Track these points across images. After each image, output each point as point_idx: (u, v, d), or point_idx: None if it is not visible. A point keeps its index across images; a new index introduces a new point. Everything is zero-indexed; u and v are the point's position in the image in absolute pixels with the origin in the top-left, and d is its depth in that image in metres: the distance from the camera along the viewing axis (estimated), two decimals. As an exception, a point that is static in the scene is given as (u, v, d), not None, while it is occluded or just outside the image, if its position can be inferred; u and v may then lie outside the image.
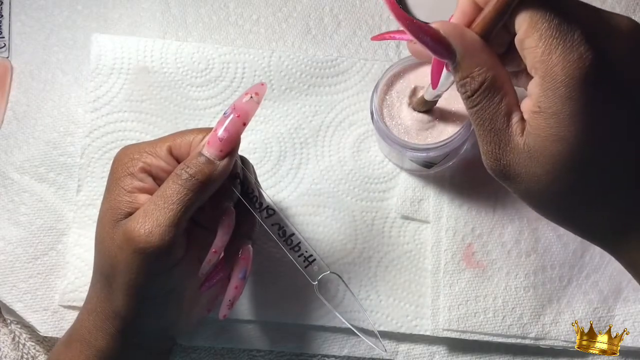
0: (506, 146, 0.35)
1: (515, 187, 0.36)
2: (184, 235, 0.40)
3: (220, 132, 0.39)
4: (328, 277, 0.43)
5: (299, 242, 0.43)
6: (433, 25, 0.35)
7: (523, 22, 0.33)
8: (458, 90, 0.36)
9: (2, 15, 0.57)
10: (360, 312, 0.50)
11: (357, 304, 0.50)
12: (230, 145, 0.40)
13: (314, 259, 0.43)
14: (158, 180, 0.42)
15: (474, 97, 0.35)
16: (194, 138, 0.41)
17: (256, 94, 0.40)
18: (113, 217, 0.40)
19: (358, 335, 0.44)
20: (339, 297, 0.51)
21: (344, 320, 0.44)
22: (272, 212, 0.43)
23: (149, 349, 0.46)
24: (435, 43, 0.35)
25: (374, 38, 0.45)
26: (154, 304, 0.42)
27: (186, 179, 0.39)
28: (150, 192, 0.41)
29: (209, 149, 0.40)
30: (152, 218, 0.38)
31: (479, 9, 0.35)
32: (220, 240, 0.42)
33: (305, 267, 0.43)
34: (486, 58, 0.35)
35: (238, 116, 0.39)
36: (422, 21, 0.35)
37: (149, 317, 0.43)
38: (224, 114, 0.40)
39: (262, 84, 0.41)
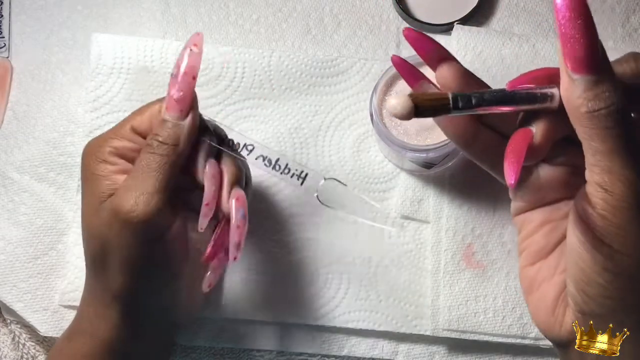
0: None
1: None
2: (169, 201, 0.40)
3: (174, 94, 0.40)
4: (328, 186, 0.43)
5: (287, 164, 0.43)
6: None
7: None
8: (584, 103, 0.32)
9: (2, 15, 0.57)
10: (366, 211, 0.47)
11: (362, 202, 0.47)
12: (188, 102, 0.41)
13: (307, 174, 0.43)
14: (130, 160, 0.42)
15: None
16: (151, 110, 0.42)
17: (195, 45, 0.41)
18: (97, 202, 0.41)
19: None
20: (341, 294, 0.51)
21: (350, 213, 0.44)
22: (251, 147, 0.43)
23: (151, 339, 0.46)
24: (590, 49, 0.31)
25: (510, 87, 0.35)
26: (151, 276, 0.42)
27: (157, 146, 0.40)
28: (126, 172, 0.41)
29: (169, 113, 0.41)
30: (134, 189, 0.39)
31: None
32: (209, 191, 0.42)
33: (301, 184, 0.43)
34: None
35: (186, 73, 0.40)
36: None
37: (147, 294, 0.43)
38: (171, 74, 0.41)
39: (198, 34, 0.41)
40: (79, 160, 0.53)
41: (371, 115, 0.48)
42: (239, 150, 0.43)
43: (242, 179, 0.45)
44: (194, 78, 0.41)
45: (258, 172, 0.50)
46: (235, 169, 0.44)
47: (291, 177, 0.43)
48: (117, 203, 0.39)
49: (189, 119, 0.41)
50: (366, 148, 0.54)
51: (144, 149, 0.40)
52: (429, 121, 0.47)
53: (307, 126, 0.54)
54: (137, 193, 0.39)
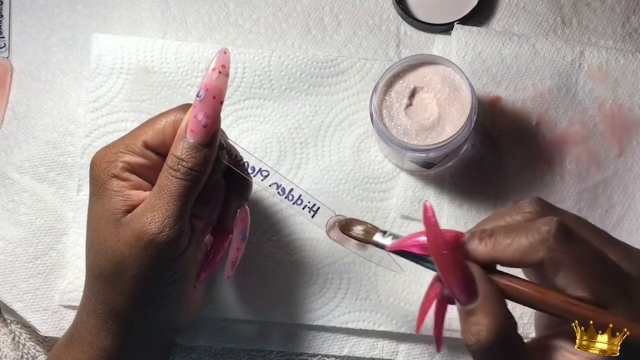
0: None
1: None
2: (189, 221, 0.41)
3: (202, 119, 0.39)
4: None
5: (300, 195, 0.43)
6: (469, 265, 0.35)
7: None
8: (463, 334, 0.36)
9: (2, 15, 0.57)
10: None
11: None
12: (215, 129, 0.40)
13: (318, 207, 0.43)
14: (142, 177, 0.42)
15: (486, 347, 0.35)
16: (164, 123, 0.41)
17: (223, 66, 0.39)
18: (112, 217, 0.40)
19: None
20: (341, 294, 0.51)
21: (360, 255, 0.44)
22: (266, 174, 0.43)
23: (151, 345, 0.46)
24: (462, 282, 0.35)
25: (389, 249, 0.40)
26: (161, 293, 0.42)
27: (186, 172, 0.39)
28: (138, 187, 0.41)
29: (195, 137, 0.40)
30: (159, 212, 0.39)
31: None
32: (237, 238, 0.45)
33: (312, 217, 0.43)
34: (502, 312, 0.35)
35: (214, 97, 0.39)
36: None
37: (153, 309, 0.43)
38: (197, 95, 0.39)
39: (225, 52, 0.39)
40: (79, 160, 0.53)
41: (371, 115, 0.48)
42: (253, 173, 0.43)
43: (249, 193, 0.46)
44: (222, 103, 0.39)
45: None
46: (245, 186, 0.45)
47: (303, 208, 0.43)
48: (142, 224, 0.39)
49: (213, 144, 0.40)
50: (366, 148, 0.54)
51: (170, 172, 0.40)
52: (429, 121, 0.48)
53: (307, 126, 0.54)
54: (163, 216, 0.39)
